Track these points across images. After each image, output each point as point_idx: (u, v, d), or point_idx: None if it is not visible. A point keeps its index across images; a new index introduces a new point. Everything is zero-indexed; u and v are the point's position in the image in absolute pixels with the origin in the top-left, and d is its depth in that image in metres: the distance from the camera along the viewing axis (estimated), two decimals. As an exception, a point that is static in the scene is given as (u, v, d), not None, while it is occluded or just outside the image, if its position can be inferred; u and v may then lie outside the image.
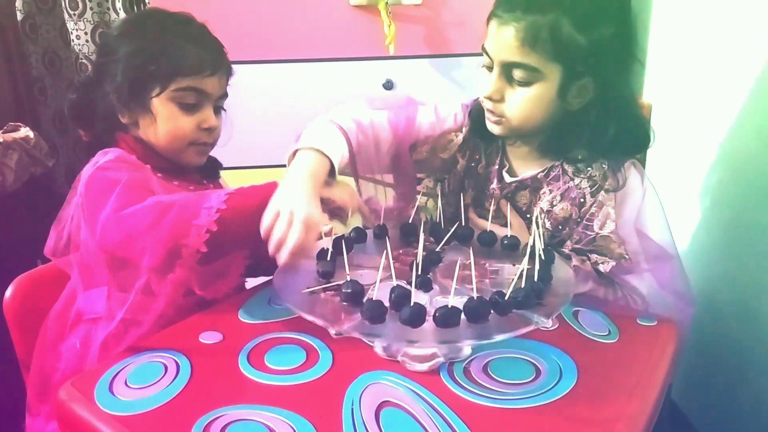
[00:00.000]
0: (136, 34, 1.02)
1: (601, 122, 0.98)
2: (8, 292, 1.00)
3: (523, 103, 0.97)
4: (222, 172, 1.18)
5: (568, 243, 1.05)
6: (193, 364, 0.85)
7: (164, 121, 1.00)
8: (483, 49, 0.99)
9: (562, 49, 0.91)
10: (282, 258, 0.88)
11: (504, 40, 0.93)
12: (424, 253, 0.92)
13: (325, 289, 0.87)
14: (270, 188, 0.91)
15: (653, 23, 1.54)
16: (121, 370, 0.84)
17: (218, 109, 1.06)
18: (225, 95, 1.07)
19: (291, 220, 0.87)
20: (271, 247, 0.88)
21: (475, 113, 1.10)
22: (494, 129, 1.03)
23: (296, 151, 1.00)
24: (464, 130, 1.13)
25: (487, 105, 1.01)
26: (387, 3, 1.48)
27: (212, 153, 1.10)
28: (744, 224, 1.26)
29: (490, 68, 0.98)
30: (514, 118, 0.98)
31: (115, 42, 1.01)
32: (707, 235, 1.39)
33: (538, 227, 0.90)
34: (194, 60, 1.00)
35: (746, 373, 1.30)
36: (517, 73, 0.95)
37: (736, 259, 1.30)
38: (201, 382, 0.82)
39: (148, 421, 0.75)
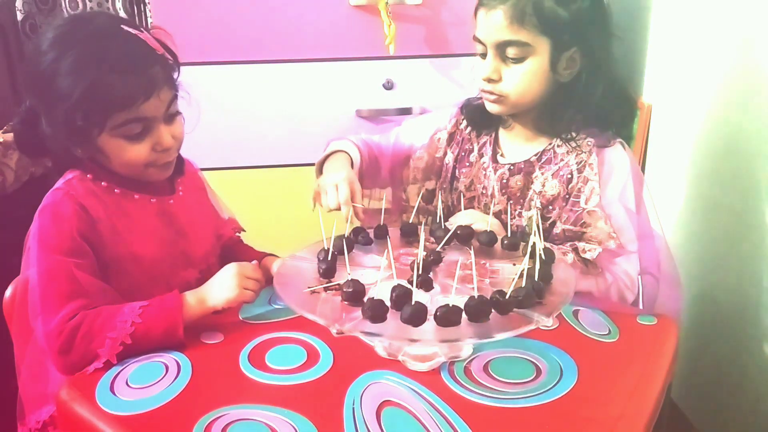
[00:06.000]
0: (58, 71, 0.87)
1: (589, 90, 1.05)
2: (8, 292, 1.00)
3: (519, 78, 1.04)
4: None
5: (559, 224, 1.08)
6: (193, 364, 0.85)
7: (115, 155, 0.93)
8: (475, 38, 1.07)
9: (547, 23, 1.00)
10: (345, 213, 1.00)
11: (494, 22, 1.02)
12: (425, 253, 0.92)
13: (326, 289, 0.87)
14: (176, 309, 0.89)
15: (653, 23, 1.54)
16: (122, 370, 0.84)
17: (172, 117, 0.96)
18: (174, 99, 0.96)
19: (336, 187, 1.01)
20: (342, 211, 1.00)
21: (468, 108, 1.19)
22: (494, 108, 1.09)
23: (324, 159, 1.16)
24: (449, 126, 1.22)
25: (486, 87, 1.07)
26: (387, 3, 1.48)
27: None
28: (744, 224, 1.26)
29: (483, 55, 1.06)
30: (512, 93, 1.05)
31: (39, 80, 0.90)
32: (708, 234, 1.39)
33: (539, 228, 0.90)
34: (121, 93, 0.88)
35: (746, 373, 1.30)
36: (511, 51, 1.03)
37: (736, 260, 1.30)
38: (202, 382, 0.82)
39: (150, 421, 0.75)
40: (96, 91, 0.87)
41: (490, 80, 1.06)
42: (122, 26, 0.91)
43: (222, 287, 0.92)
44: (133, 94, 0.89)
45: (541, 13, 1.00)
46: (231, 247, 1.14)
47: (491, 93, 1.07)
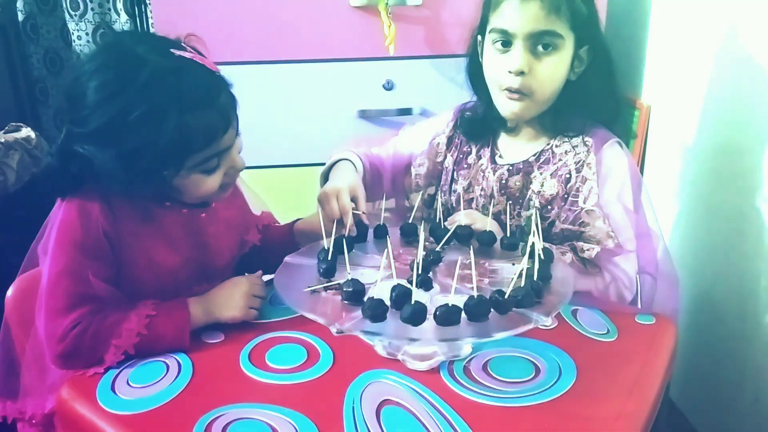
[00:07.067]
0: (128, 123, 0.80)
1: (594, 89, 1.06)
2: (9, 292, 1.00)
3: (549, 72, 1.03)
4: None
5: (558, 224, 1.08)
6: (194, 363, 0.85)
7: (191, 189, 0.89)
8: (496, 30, 1.04)
9: (575, 16, 1.02)
10: (346, 222, 0.98)
11: (530, 13, 1.01)
12: (424, 252, 0.92)
13: (326, 288, 0.87)
14: (184, 322, 0.89)
15: (652, 23, 1.54)
16: (123, 369, 0.85)
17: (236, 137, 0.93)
18: (238, 119, 0.92)
19: (338, 194, 1.00)
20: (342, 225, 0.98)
21: (462, 120, 1.19)
22: (514, 107, 1.06)
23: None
24: (447, 130, 1.21)
25: (513, 83, 1.04)
26: (387, 3, 1.48)
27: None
28: (742, 224, 1.27)
29: (504, 44, 1.04)
30: (540, 88, 1.04)
31: (103, 133, 0.82)
32: (706, 235, 1.40)
33: (537, 227, 0.90)
34: (203, 132, 0.83)
35: (745, 372, 1.30)
36: (545, 42, 1.02)
37: (734, 259, 1.31)
38: (202, 381, 0.82)
39: (150, 420, 0.76)
40: (177, 137, 0.81)
41: (521, 73, 1.02)
42: (173, 51, 0.84)
43: (230, 305, 0.92)
44: (212, 131, 0.84)
45: (572, 6, 1.01)
46: (263, 237, 1.10)
47: (518, 90, 1.04)
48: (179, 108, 0.81)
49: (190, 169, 0.87)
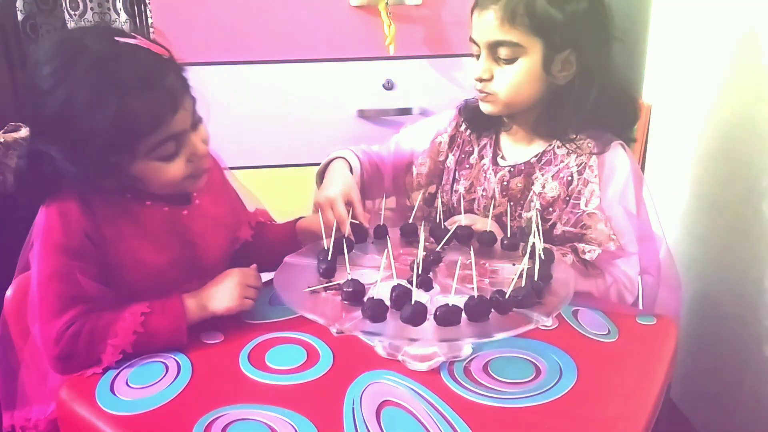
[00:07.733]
0: (72, 111, 0.80)
1: (586, 93, 1.05)
2: (9, 292, 1.00)
3: (509, 78, 1.05)
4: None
5: (559, 226, 1.08)
6: (194, 364, 0.85)
7: (152, 178, 0.88)
8: (471, 39, 1.07)
9: (539, 23, 1.00)
10: (344, 231, 0.99)
11: (486, 22, 1.03)
12: (425, 252, 0.92)
13: (326, 288, 0.87)
14: (180, 317, 0.88)
15: (653, 23, 1.54)
16: (122, 370, 0.84)
17: (196, 124, 0.91)
18: (195, 104, 0.90)
19: (333, 204, 1.00)
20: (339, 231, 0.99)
21: (466, 110, 1.20)
22: (487, 108, 1.10)
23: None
24: (449, 129, 1.22)
25: (478, 86, 1.08)
26: (387, 3, 1.48)
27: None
28: (743, 224, 1.27)
29: (478, 56, 1.07)
30: (502, 92, 1.06)
31: (53, 124, 0.83)
32: (707, 234, 1.40)
33: (538, 227, 0.90)
34: (147, 114, 0.82)
35: (746, 373, 1.30)
36: (502, 51, 1.03)
37: (735, 259, 1.30)
38: (202, 382, 0.82)
39: (150, 420, 0.76)
40: (121, 120, 0.81)
41: (481, 80, 1.06)
42: (117, 39, 0.84)
43: (224, 296, 0.92)
44: (158, 112, 0.83)
45: (533, 13, 1.00)
46: (258, 234, 1.09)
47: (482, 92, 1.08)
48: (120, 92, 0.81)
49: (145, 155, 0.86)
